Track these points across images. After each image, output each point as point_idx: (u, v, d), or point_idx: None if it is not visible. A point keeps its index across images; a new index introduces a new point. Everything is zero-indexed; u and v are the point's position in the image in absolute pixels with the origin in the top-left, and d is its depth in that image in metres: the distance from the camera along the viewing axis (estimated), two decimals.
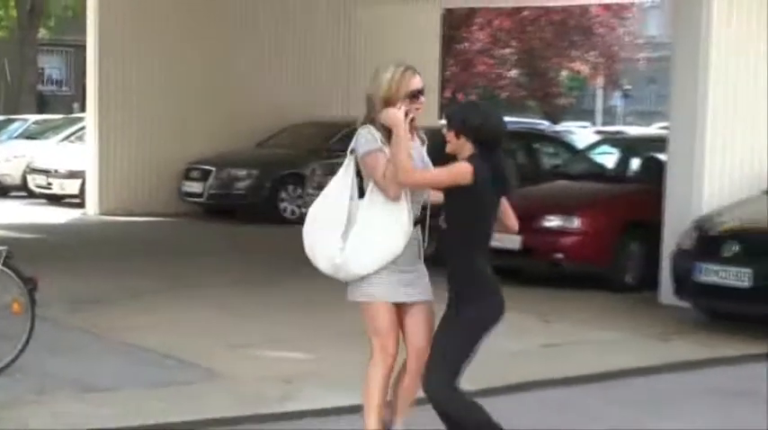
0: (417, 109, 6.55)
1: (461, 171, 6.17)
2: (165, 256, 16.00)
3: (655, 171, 14.00)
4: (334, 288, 13.40)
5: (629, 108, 57.45)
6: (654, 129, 27.06)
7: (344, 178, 6.52)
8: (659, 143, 14.62)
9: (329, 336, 10.46)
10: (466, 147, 6.25)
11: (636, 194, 14.18)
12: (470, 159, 6.21)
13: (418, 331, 6.52)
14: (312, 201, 17.17)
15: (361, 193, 6.38)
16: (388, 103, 6.35)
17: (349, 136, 22.45)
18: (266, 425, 7.63)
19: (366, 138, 6.36)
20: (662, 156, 13.81)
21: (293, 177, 20.30)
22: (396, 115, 6.24)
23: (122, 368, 9.04)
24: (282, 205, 20.69)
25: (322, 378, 8.91)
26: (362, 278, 6.43)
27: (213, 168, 20.98)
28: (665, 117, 14.75)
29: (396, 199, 6.27)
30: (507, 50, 37.15)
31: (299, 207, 19.15)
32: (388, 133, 6.28)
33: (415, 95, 6.50)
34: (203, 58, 22.25)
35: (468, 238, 6.38)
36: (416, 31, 24.90)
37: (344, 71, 23.79)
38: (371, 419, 6.48)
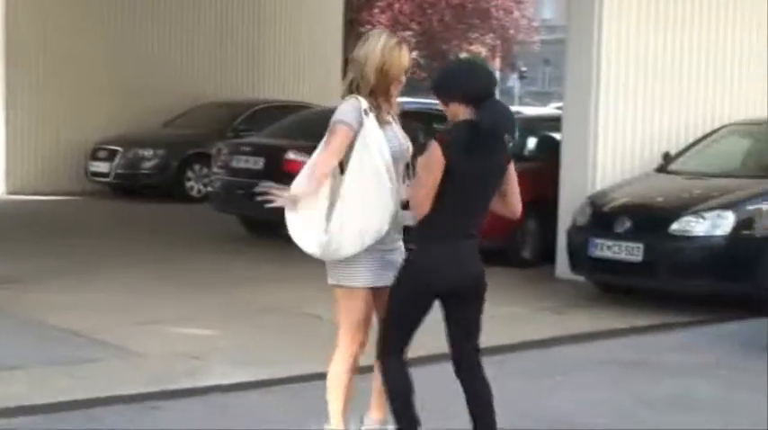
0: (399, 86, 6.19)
1: (434, 160, 5.73)
2: (72, 236, 15.81)
3: (550, 150, 14.10)
4: (239, 265, 13.49)
5: (526, 89, 57.97)
6: (550, 110, 27.22)
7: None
8: (555, 123, 14.72)
9: (236, 314, 10.45)
10: (459, 110, 5.86)
11: (532, 172, 14.24)
12: (444, 132, 6.01)
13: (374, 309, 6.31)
14: (216, 183, 17.28)
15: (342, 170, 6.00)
16: (385, 74, 5.99)
17: (254, 116, 22.55)
18: (174, 400, 7.56)
19: (347, 109, 5.95)
20: (557, 136, 13.92)
21: (199, 157, 20.18)
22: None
23: (31, 346, 8.93)
24: (189, 184, 20.66)
25: (230, 354, 8.88)
26: (345, 259, 6.03)
27: (120, 148, 20.86)
28: (561, 98, 14.86)
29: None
30: (407, 33, 37.20)
31: (205, 186, 19.10)
32: (380, 106, 6.01)
33: (406, 72, 6.17)
34: (109, 38, 22.04)
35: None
36: (321, 15, 24.97)
37: (251, 53, 23.79)
38: (334, 420, 6.27)
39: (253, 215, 16.18)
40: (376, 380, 6.29)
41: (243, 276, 12.61)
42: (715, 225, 10.86)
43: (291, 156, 15.09)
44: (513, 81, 56.41)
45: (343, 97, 6.12)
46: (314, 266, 13.81)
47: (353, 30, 31.25)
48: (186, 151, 20.70)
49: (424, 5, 35.09)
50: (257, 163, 15.45)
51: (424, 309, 5.99)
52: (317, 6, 24.79)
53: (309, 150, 16.18)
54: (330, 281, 6.23)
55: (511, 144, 6.13)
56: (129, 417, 7.15)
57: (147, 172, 20.74)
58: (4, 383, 7.78)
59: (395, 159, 6.01)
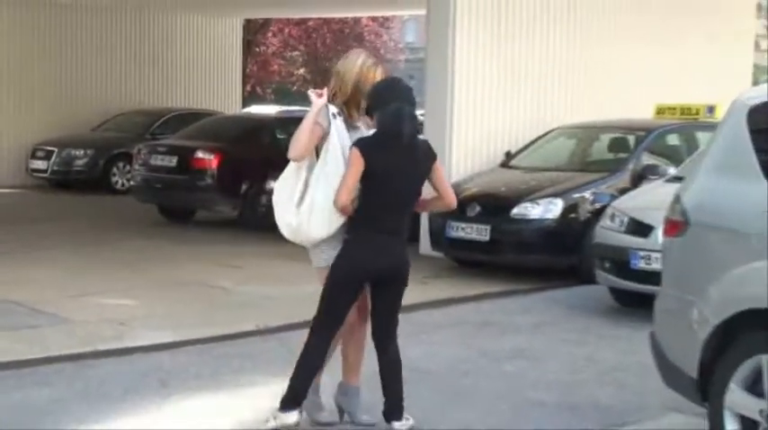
0: None
1: (353, 161, 5.51)
2: (15, 223, 15.52)
3: None
4: (157, 246, 13.36)
5: None
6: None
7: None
8: (418, 126, 14.80)
9: (155, 287, 10.38)
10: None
11: None
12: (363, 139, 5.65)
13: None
14: (137, 177, 17.03)
15: None
16: (360, 89, 5.75)
17: (167, 122, 22.26)
18: (105, 359, 7.51)
19: (322, 113, 5.68)
20: (420, 136, 13.98)
21: (122, 156, 20.04)
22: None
23: None
24: (114, 179, 20.47)
25: (150, 320, 8.80)
26: (323, 242, 5.71)
27: (55, 149, 20.64)
28: (422, 106, 15.04)
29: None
30: (296, 53, 37.21)
31: (128, 180, 18.93)
32: (352, 115, 5.82)
33: None
34: (47, 58, 21.73)
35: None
36: (223, 37, 24.95)
37: (165, 69, 23.68)
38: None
39: (168, 204, 16.13)
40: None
41: (160, 255, 12.53)
42: (547, 210, 11.02)
43: (199, 154, 15.05)
44: None
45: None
46: (219, 247, 13.87)
47: (251, 49, 31.17)
48: (112, 151, 20.50)
49: (309, 30, 35.14)
50: (171, 161, 15.35)
51: (353, 296, 5.74)
52: (221, 30, 24.76)
53: (214, 150, 16.31)
54: (313, 264, 5.92)
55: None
56: (67, 374, 7.08)
57: (78, 169, 20.50)
58: None
59: None
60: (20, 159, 21.07)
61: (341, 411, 5.94)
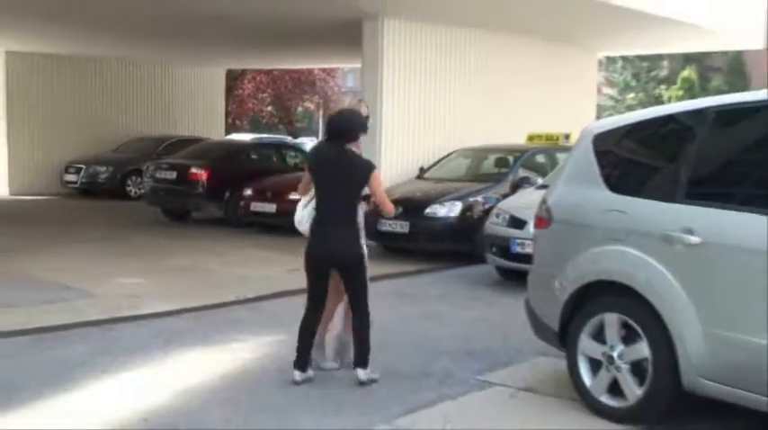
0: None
1: (306, 171, 5.62)
2: (52, 222, 15.27)
3: None
4: (161, 240, 13.20)
5: None
6: None
7: None
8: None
9: (160, 270, 10.28)
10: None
11: None
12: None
13: None
14: (147, 187, 16.83)
15: None
16: None
17: (169, 146, 21.93)
18: (123, 324, 7.43)
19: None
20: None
21: (135, 171, 19.70)
22: None
23: (24, 292, 8.60)
24: (129, 188, 20.08)
25: (157, 294, 8.72)
26: None
27: (84, 165, 20.30)
28: None
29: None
30: (265, 94, 36.95)
31: (140, 189, 18.67)
32: None
33: (366, 118, 5.82)
34: (77, 95, 21.39)
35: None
36: (210, 82, 24.73)
37: (166, 106, 23.40)
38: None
39: (170, 207, 15.97)
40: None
41: (164, 246, 12.41)
42: (450, 210, 11.07)
43: (193, 170, 14.96)
44: None
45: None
46: (208, 239, 13.71)
47: (231, 91, 30.88)
48: (127, 167, 20.16)
49: (275, 78, 34.92)
50: (172, 174, 15.22)
51: (316, 280, 5.58)
52: (209, 77, 24.54)
53: (204, 167, 16.12)
54: None
55: None
56: (94, 335, 7.00)
57: (102, 181, 20.14)
58: (9, 316, 7.52)
59: None
60: (56, 173, 20.71)
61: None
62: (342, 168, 5.47)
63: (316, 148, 5.73)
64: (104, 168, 20.21)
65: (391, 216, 5.78)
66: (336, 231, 5.47)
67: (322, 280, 5.59)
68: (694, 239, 4.44)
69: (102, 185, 20.12)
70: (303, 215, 5.81)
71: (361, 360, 5.56)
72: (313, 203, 5.66)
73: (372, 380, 5.55)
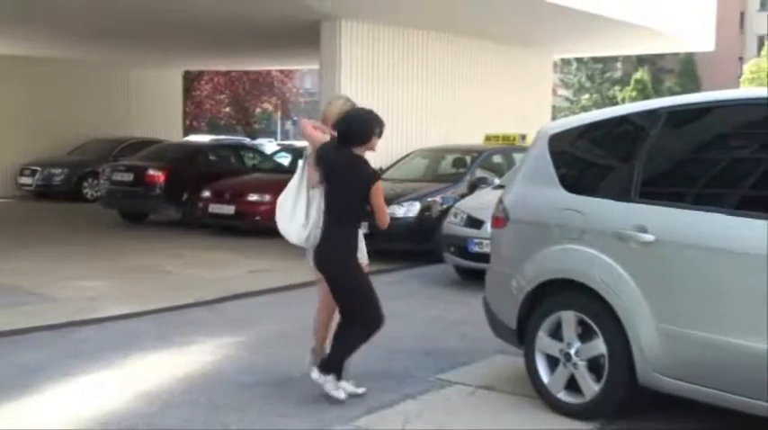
0: None
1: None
2: (8, 224, 15.05)
3: None
4: (119, 241, 13.05)
5: (296, 130, 57.86)
6: None
7: (300, 176, 5.52)
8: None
9: (118, 271, 10.17)
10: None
11: None
12: None
13: None
14: (103, 190, 16.66)
15: None
16: (325, 122, 5.52)
17: (125, 148, 21.75)
18: (81, 327, 7.35)
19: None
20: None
21: (91, 173, 19.48)
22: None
23: None
24: (85, 191, 19.83)
25: (115, 297, 8.64)
26: None
27: (39, 168, 20.00)
28: None
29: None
30: (223, 96, 36.72)
31: (96, 191, 18.46)
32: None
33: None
34: (33, 97, 21.03)
35: None
36: (168, 84, 24.55)
37: (123, 108, 23.16)
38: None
39: (127, 209, 15.81)
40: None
41: (122, 248, 12.27)
42: (409, 210, 11.09)
43: (151, 171, 14.83)
44: (289, 126, 56.27)
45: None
46: (166, 241, 13.59)
47: (189, 93, 30.66)
48: (83, 169, 19.90)
49: (232, 79, 34.72)
50: (129, 176, 15.06)
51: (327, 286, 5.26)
52: (166, 79, 24.38)
53: (162, 168, 16.02)
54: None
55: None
56: (52, 339, 6.92)
57: (57, 183, 19.86)
58: None
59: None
60: (10, 176, 20.40)
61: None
62: (342, 174, 5.11)
63: (322, 147, 5.29)
64: (60, 170, 19.94)
65: (385, 227, 5.26)
66: (327, 236, 5.18)
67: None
68: (648, 237, 4.51)
69: (58, 188, 19.84)
70: (318, 225, 5.36)
71: (326, 366, 5.21)
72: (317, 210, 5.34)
73: (329, 395, 5.17)
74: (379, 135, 5.19)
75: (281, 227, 5.49)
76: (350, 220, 5.18)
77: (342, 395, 5.16)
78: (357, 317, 5.16)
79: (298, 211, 5.40)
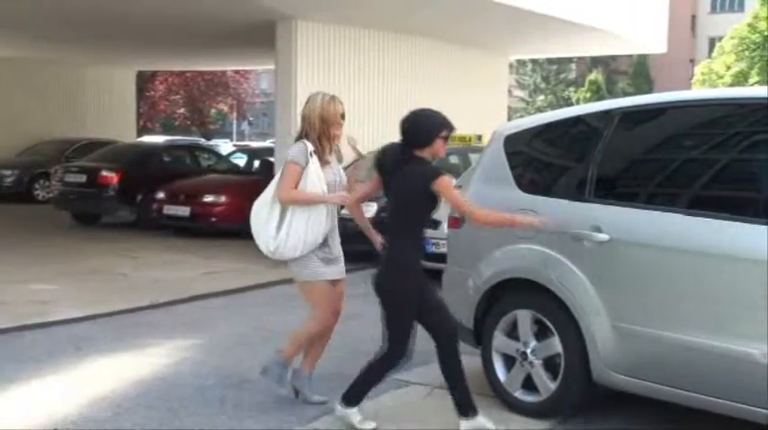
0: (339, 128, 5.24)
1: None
2: None
3: (267, 167, 14.13)
4: (71, 244, 12.85)
5: (252, 131, 57.54)
6: (267, 143, 27.25)
7: (275, 188, 5.19)
8: (270, 151, 14.79)
9: (71, 274, 10.03)
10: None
11: (257, 181, 14.17)
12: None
13: (341, 298, 5.46)
14: (55, 191, 16.41)
15: None
16: (325, 120, 5.10)
17: (78, 149, 21.45)
18: (32, 331, 7.22)
19: (298, 149, 5.07)
20: (271, 159, 13.97)
21: (43, 175, 19.18)
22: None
23: None
24: (36, 192, 19.56)
25: (67, 300, 8.50)
26: (297, 262, 5.13)
27: None
28: (274, 135, 15.00)
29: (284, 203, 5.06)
30: (177, 96, 36.40)
31: (48, 193, 18.17)
32: (324, 147, 5.12)
33: (342, 117, 5.23)
34: None
35: None
36: (121, 84, 24.27)
37: (76, 108, 22.86)
38: (292, 350, 5.30)
39: (80, 211, 15.59)
40: (322, 345, 5.45)
41: (75, 251, 12.10)
42: (366, 211, 11.01)
43: (104, 173, 14.66)
44: (245, 126, 55.93)
45: (295, 140, 5.21)
46: (120, 243, 13.40)
47: (142, 93, 30.33)
48: (34, 170, 19.59)
49: (187, 79, 34.44)
50: (82, 178, 14.88)
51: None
52: (119, 79, 24.07)
53: (116, 170, 15.82)
54: (297, 279, 5.29)
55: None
56: (2, 342, 6.79)
57: (8, 184, 19.54)
58: None
59: (332, 189, 5.16)
60: None
61: (296, 391, 5.32)
62: (397, 178, 4.58)
63: (382, 150, 4.80)
64: (10, 172, 19.62)
65: (480, 222, 4.70)
66: (384, 252, 4.77)
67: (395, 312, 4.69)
68: (602, 237, 4.55)
69: (8, 189, 19.52)
70: (289, 238, 5.09)
71: (349, 397, 4.74)
72: (298, 223, 5.06)
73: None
74: (440, 136, 4.60)
75: (253, 231, 5.23)
76: (401, 235, 4.65)
77: (372, 425, 4.77)
78: (393, 345, 4.68)
79: (271, 223, 5.11)
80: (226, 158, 18.00)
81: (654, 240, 4.36)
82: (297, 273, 5.20)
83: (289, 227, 5.04)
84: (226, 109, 40.59)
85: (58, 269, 10.34)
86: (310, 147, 5.05)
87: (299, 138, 5.17)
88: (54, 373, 5.94)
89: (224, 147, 28.17)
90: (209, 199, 13.40)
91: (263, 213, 5.17)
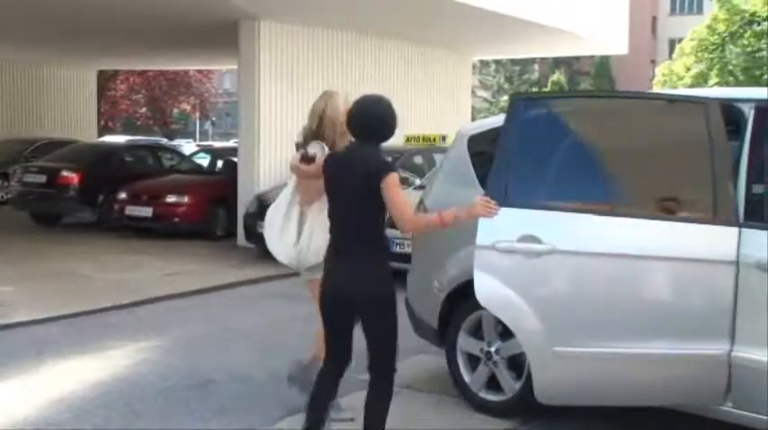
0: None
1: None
2: None
3: (231, 168, 14.06)
4: (32, 245, 12.67)
5: (215, 131, 57.17)
6: (231, 143, 27.12)
7: (292, 191, 5.00)
8: (233, 151, 14.71)
9: (32, 275, 9.87)
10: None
11: (220, 181, 14.14)
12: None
13: None
14: (14, 191, 16.12)
15: None
16: (344, 123, 4.35)
17: (38, 149, 21.11)
18: None
19: (324, 152, 4.66)
20: (235, 159, 13.89)
21: (1, 175, 18.82)
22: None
23: None
24: None
25: (27, 302, 8.36)
26: (316, 266, 4.55)
27: None
28: (237, 136, 14.94)
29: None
30: (139, 96, 36.07)
31: (7, 194, 17.86)
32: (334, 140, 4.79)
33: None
34: None
35: None
36: (82, 83, 23.94)
37: (36, 107, 22.55)
38: (319, 347, 4.60)
39: (40, 212, 15.37)
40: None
41: (35, 252, 11.92)
42: None
43: (64, 173, 14.45)
44: (208, 126, 55.55)
45: (306, 141, 4.92)
46: (82, 244, 13.24)
47: (103, 93, 30.00)
48: None
49: (149, 79, 34.13)
50: (42, 178, 14.63)
51: (327, 321, 4.10)
52: (80, 78, 23.73)
53: (76, 170, 15.62)
54: (306, 278, 4.92)
55: None
56: None
57: None
58: None
59: None
60: None
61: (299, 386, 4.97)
62: (353, 175, 3.90)
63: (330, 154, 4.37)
64: None
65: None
66: (344, 266, 3.92)
67: (330, 326, 4.03)
68: (543, 247, 4.48)
69: None
70: (311, 246, 4.80)
71: None
72: (319, 230, 4.64)
73: None
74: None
75: (269, 244, 5.00)
76: (370, 237, 3.93)
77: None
78: (380, 366, 3.96)
79: (289, 230, 4.88)
80: (189, 158, 17.87)
81: (596, 248, 4.18)
82: (310, 273, 4.90)
83: (310, 234, 4.82)
84: (188, 109, 40.28)
85: (18, 271, 10.18)
86: (326, 149, 4.75)
87: (314, 137, 4.88)
88: (14, 376, 5.86)
89: (187, 147, 27.96)
90: (171, 199, 13.29)
91: (276, 224, 4.99)
